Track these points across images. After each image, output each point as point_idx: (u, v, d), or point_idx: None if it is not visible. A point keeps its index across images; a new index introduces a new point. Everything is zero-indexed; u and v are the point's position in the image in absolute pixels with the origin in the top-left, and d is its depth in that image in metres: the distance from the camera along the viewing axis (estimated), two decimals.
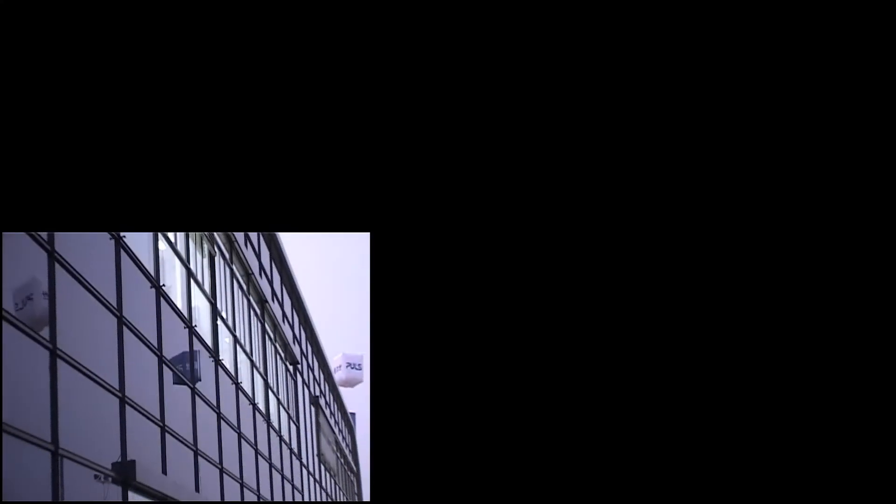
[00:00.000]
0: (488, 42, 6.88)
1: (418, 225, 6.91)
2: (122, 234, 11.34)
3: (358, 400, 67.00)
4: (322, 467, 32.30)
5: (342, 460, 40.49)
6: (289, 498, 23.53)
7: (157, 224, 6.76)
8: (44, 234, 8.99)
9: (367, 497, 46.91)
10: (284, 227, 7.03)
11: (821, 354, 6.73)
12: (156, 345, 12.65)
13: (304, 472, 27.61)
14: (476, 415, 6.85)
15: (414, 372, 6.87)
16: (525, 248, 6.87)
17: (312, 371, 33.16)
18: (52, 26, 6.68)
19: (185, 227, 6.75)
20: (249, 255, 20.85)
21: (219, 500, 15.49)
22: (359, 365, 65.46)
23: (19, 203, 6.65)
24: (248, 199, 6.80)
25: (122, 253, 11.40)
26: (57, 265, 9.23)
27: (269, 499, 20.32)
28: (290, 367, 26.83)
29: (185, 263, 15.18)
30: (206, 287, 16.63)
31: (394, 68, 6.90)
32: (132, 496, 10.76)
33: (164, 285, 13.31)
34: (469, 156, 6.90)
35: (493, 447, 6.84)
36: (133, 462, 10.66)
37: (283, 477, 22.94)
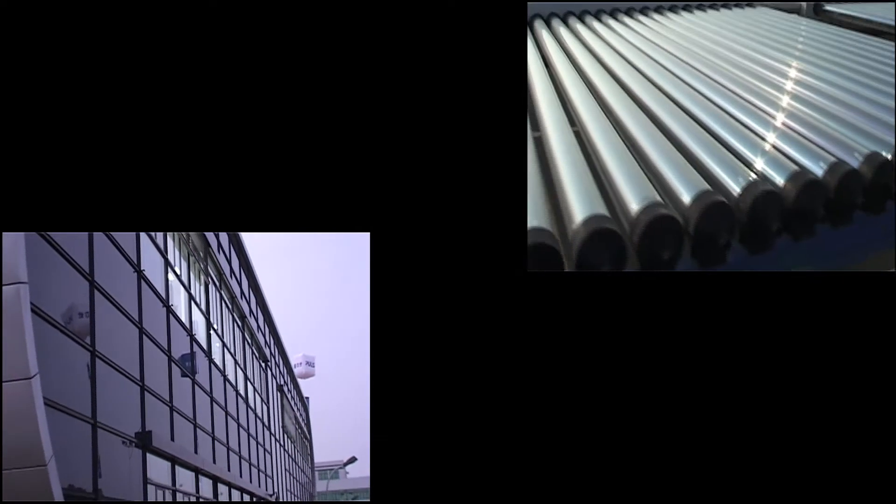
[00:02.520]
0: (487, 42, 5.35)
1: (418, 225, 5.38)
2: (143, 268, 11.24)
3: (311, 388, 66.13)
4: (285, 436, 31.90)
5: (300, 431, 39.92)
6: (262, 458, 23.21)
7: (158, 224, 5.43)
8: (86, 267, 8.89)
9: (317, 454, 46.16)
10: (284, 228, 5.50)
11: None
12: (166, 347, 12.50)
13: (273, 439, 27.29)
14: (475, 415, 5.34)
15: (413, 372, 5.37)
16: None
17: (279, 367, 32.77)
18: (54, 26, 5.19)
19: (186, 227, 5.33)
20: (234, 283, 20.69)
21: (211, 457, 15.27)
22: (313, 363, 64.09)
23: (20, 203, 5.18)
24: (248, 200, 5.32)
25: (142, 282, 11.32)
26: (96, 291, 9.16)
27: (248, 458, 20.03)
28: (263, 364, 26.56)
29: (188, 289, 15.03)
30: (203, 306, 16.47)
31: (394, 68, 5.36)
32: (149, 457, 10.66)
33: (172, 305, 13.16)
34: (469, 156, 5.38)
35: (492, 447, 5.32)
36: (150, 432, 10.57)
37: (257, 443, 22.68)
